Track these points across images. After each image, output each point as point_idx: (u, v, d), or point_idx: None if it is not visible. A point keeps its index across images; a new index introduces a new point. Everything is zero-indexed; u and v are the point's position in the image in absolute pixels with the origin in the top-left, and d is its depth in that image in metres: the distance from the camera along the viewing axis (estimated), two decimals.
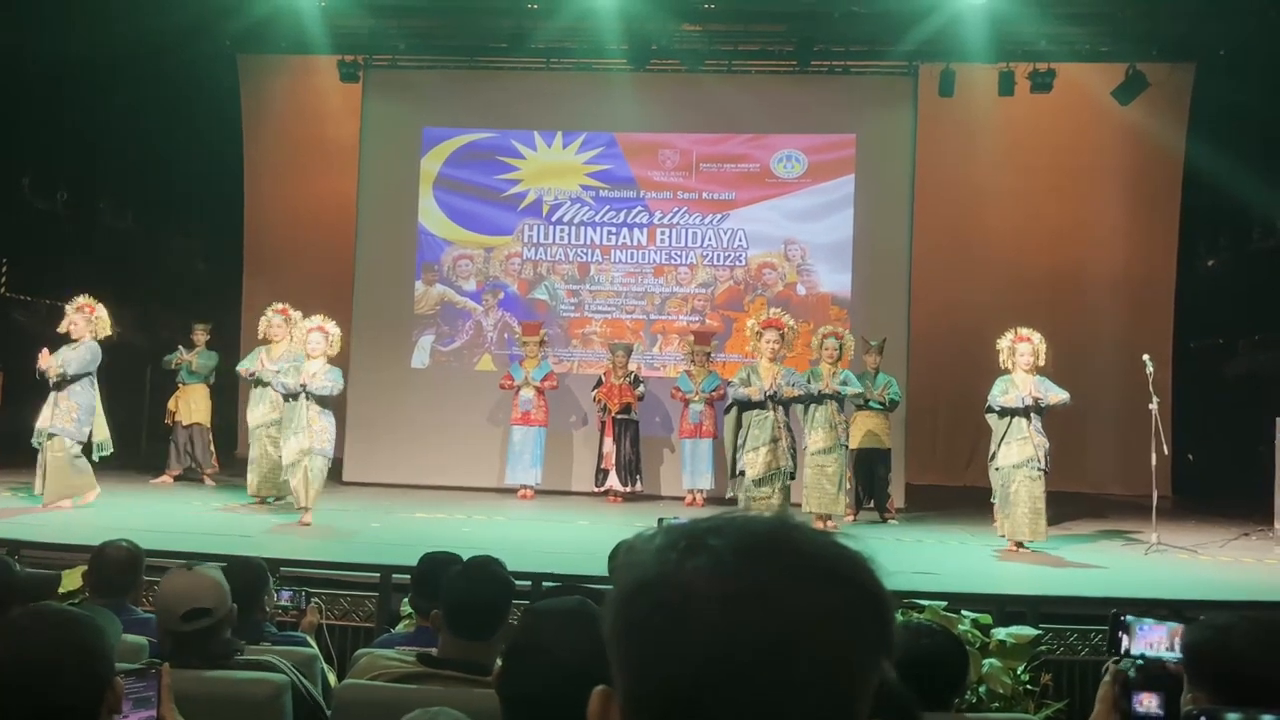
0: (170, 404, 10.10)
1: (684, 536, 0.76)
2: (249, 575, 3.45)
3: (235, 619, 2.82)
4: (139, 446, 10.75)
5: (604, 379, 9.96)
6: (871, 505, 9.29)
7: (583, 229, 10.96)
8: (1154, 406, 7.75)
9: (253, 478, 8.53)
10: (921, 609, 4.67)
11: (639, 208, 10.93)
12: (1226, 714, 1.75)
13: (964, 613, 4.83)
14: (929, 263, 10.92)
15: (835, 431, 8.32)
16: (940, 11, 9.33)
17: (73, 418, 7.78)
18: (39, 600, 2.36)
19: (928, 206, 10.84)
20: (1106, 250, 11.81)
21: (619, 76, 10.62)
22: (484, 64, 10.97)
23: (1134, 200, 11.81)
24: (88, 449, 7.99)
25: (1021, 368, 7.45)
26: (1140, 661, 2.32)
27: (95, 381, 8.04)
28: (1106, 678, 2.30)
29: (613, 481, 9.81)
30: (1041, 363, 7.53)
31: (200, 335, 10.18)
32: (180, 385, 10.08)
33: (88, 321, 7.99)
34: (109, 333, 8.16)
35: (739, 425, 8.01)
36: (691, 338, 10.16)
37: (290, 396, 7.76)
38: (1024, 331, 7.58)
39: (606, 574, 3.46)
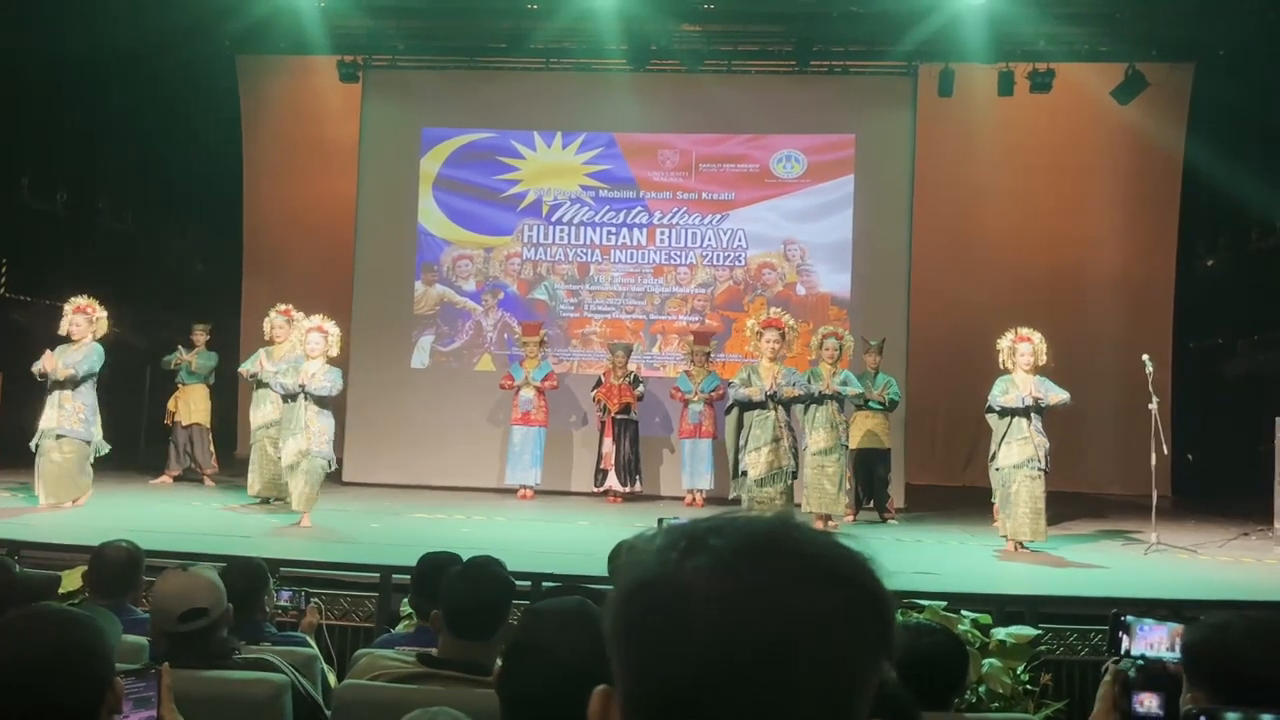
0: (170, 404, 10.10)
1: (684, 536, 0.76)
2: (249, 575, 3.46)
3: (231, 619, 2.82)
4: (139, 447, 10.73)
5: (604, 379, 9.96)
6: (871, 505, 9.29)
7: (582, 229, 10.96)
8: (1154, 406, 7.75)
9: (255, 479, 8.53)
10: (921, 609, 4.67)
11: (638, 208, 10.93)
12: (1226, 714, 1.75)
13: (964, 613, 4.84)
14: (929, 263, 10.92)
15: (836, 431, 8.32)
16: (939, 11, 9.33)
17: (80, 418, 7.79)
18: (39, 601, 2.35)
19: (927, 207, 10.84)
20: (1106, 250, 11.82)
21: (618, 77, 10.62)
22: (483, 64, 10.97)
23: (1133, 200, 11.82)
24: None
25: (1022, 368, 7.45)
26: (1140, 661, 2.32)
27: (95, 381, 8.06)
28: (1106, 678, 2.30)
29: (612, 482, 9.80)
30: (1042, 362, 7.52)
31: (200, 336, 10.18)
32: (180, 385, 10.08)
33: (90, 322, 8.01)
34: (105, 332, 8.17)
35: (740, 426, 8.01)
36: (691, 338, 10.16)
37: (289, 397, 7.76)
38: (1025, 331, 7.57)
39: (606, 574, 3.45)
